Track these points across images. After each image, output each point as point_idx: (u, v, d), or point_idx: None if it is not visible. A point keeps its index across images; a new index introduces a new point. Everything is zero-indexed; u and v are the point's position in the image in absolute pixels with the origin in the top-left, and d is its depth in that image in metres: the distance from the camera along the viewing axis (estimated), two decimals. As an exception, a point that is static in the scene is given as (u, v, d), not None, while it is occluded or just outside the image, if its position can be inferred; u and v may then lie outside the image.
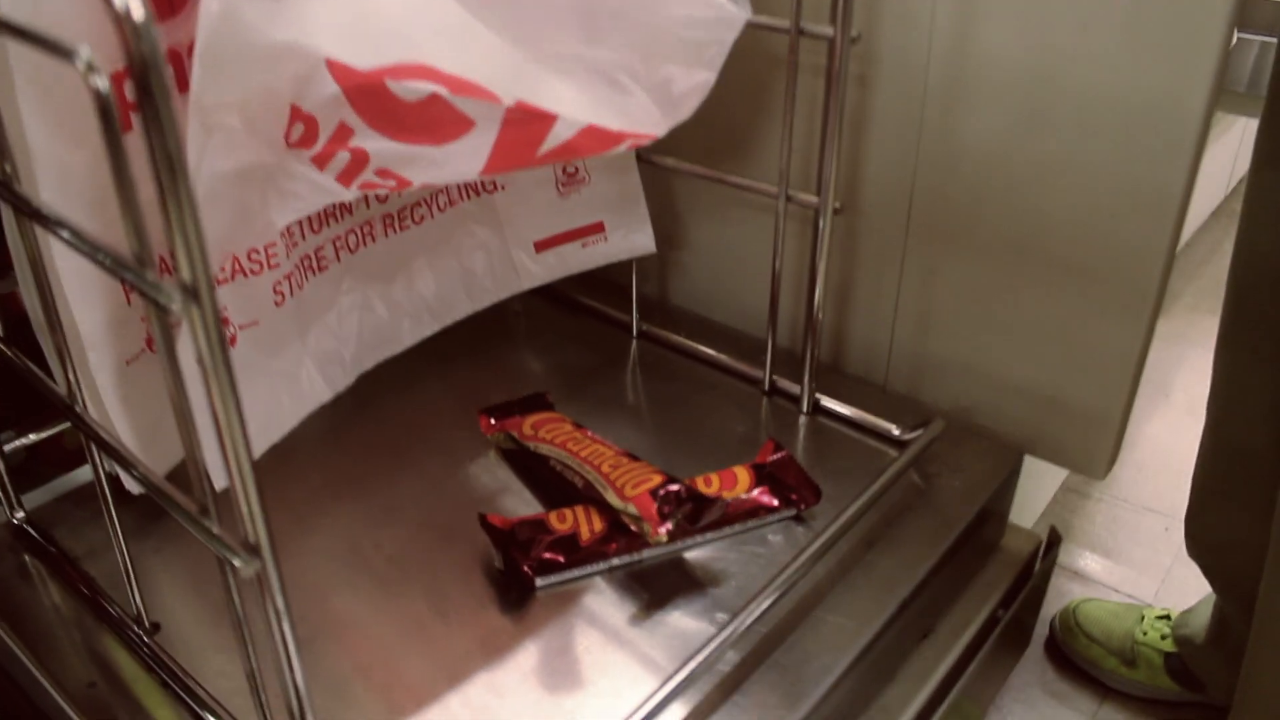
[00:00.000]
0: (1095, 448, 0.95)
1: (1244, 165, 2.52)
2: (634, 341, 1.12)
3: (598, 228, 1.03)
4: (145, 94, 0.37)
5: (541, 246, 1.02)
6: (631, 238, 1.04)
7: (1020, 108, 0.85)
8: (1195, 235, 2.36)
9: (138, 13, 0.36)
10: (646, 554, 0.82)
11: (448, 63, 0.66)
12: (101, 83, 0.40)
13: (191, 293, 0.41)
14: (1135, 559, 1.45)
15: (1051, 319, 0.92)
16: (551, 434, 0.88)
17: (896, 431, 0.95)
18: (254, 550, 0.49)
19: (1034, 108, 0.85)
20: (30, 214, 0.55)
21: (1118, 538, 1.49)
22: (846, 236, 1.01)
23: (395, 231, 0.92)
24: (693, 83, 0.75)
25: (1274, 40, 0.93)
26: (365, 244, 0.90)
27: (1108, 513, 1.54)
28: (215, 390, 0.44)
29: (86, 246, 0.47)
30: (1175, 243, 0.84)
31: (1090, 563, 1.45)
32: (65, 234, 0.49)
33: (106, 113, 0.40)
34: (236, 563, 0.49)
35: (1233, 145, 2.30)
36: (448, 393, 1.02)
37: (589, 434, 0.89)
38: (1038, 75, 0.84)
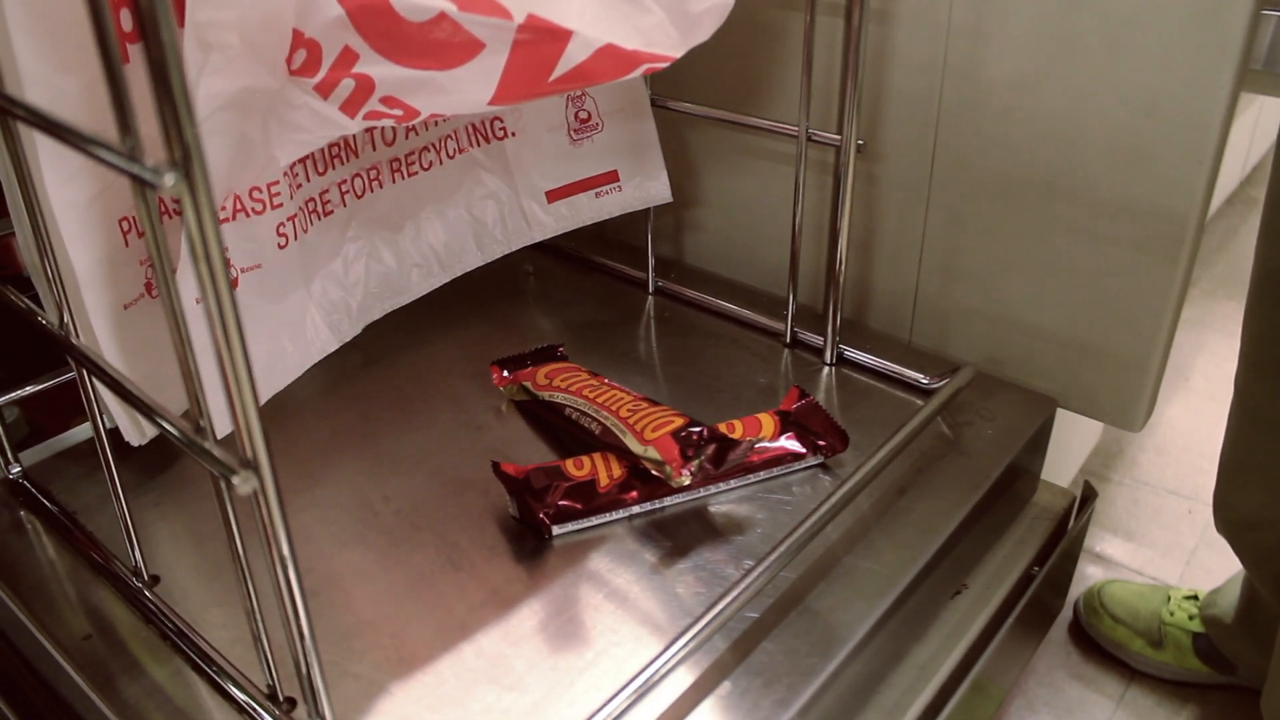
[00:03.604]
0: (1131, 398, 0.91)
1: (1258, 152, 2.49)
2: (649, 297, 1.09)
3: (612, 176, 1.00)
4: None
5: (554, 196, 0.99)
6: (647, 186, 1.01)
7: (1049, 35, 0.82)
8: (1210, 222, 2.34)
9: None
10: (668, 502, 0.78)
11: None
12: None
13: (182, 169, 0.38)
14: (1158, 542, 1.42)
15: (1083, 262, 0.88)
16: (567, 382, 0.85)
17: (924, 380, 0.91)
18: (251, 466, 0.45)
19: (1064, 34, 0.81)
20: (14, 112, 0.52)
21: (1140, 520, 1.47)
22: (868, 183, 0.98)
23: (403, 178, 0.90)
24: (710, 2, 0.72)
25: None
26: (372, 189, 0.87)
27: (1129, 495, 1.51)
28: (209, 286, 0.40)
29: (70, 133, 0.44)
30: (1214, 175, 0.81)
31: (1113, 546, 1.42)
32: (50, 125, 0.46)
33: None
34: (234, 480, 0.46)
35: (1247, 130, 2.26)
36: (458, 349, 0.99)
37: (605, 381, 0.85)
38: (1066, 1, 0.80)
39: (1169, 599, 1.25)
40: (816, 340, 0.98)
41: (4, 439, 0.80)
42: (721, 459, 0.75)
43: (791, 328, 0.99)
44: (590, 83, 0.71)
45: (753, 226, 1.10)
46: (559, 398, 0.84)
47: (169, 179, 0.38)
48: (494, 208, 0.97)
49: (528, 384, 0.88)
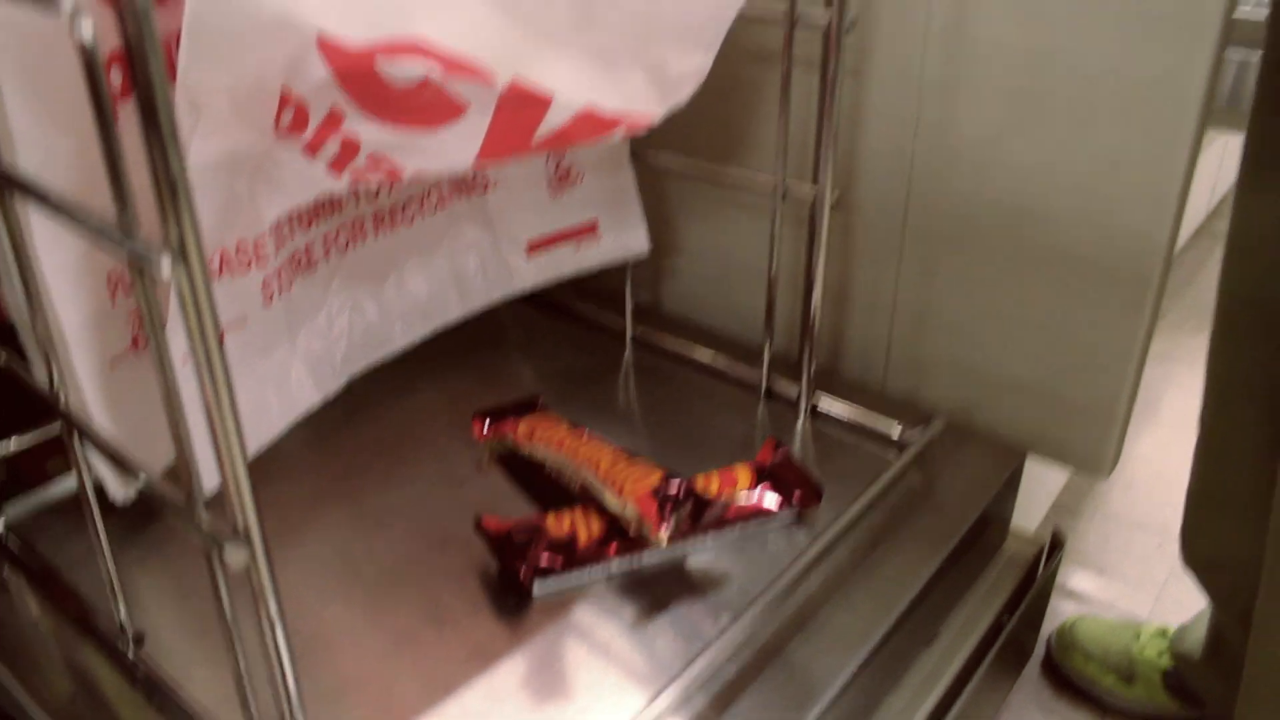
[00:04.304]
0: (1098, 445, 0.94)
1: (1225, 185, 2.53)
2: (628, 347, 1.10)
3: (591, 228, 1.01)
4: (136, 42, 0.35)
5: (534, 247, 1.00)
6: (625, 237, 1.03)
7: (1017, 95, 0.84)
8: (1178, 255, 2.36)
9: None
10: (646, 556, 0.79)
11: (441, 38, 0.64)
12: (86, 32, 0.38)
13: (179, 253, 0.39)
14: (1129, 576, 1.44)
15: (1051, 313, 0.91)
16: (547, 436, 0.86)
17: (896, 433, 0.93)
18: (244, 538, 0.46)
19: (1031, 95, 0.84)
20: (11, 184, 0.53)
21: (1110, 555, 1.48)
22: (843, 234, 1.00)
23: (386, 231, 0.91)
24: (689, 66, 0.74)
25: (1254, 56, 0.93)
26: (355, 243, 0.88)
27: (1099, 530, 1.53)
28: (203, 361, 0.42)
29: (69, 213, 0.45)
30: (1176, 231, 0.83)
31: (1084, 581, 1.43)
32: (48, 202, 0.47)
33: (91, 65, 0.38)
34: (225, 553, 0.47)
35: (1213, 165, 2.30)
36: (440, 400, 1.00)
37: (585, 433, 0.87)
38: (1035, 62, 0.83)
39: (1139, 635, 1.26)
40: (791, 391, 0.99)
41: (-13, 493, 0.81)
42: (698, 516, 0.76)
43: (767, 378, 1.01)
44: (572, 143, 0.73)
45: (730, 274, 1.11)
46: (539, 452, 0.85)
47: (166, 266, 0.40)
48: (475, 259, 0.98)
49: (509, 438, 0.89)
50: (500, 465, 0.90)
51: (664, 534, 0.74)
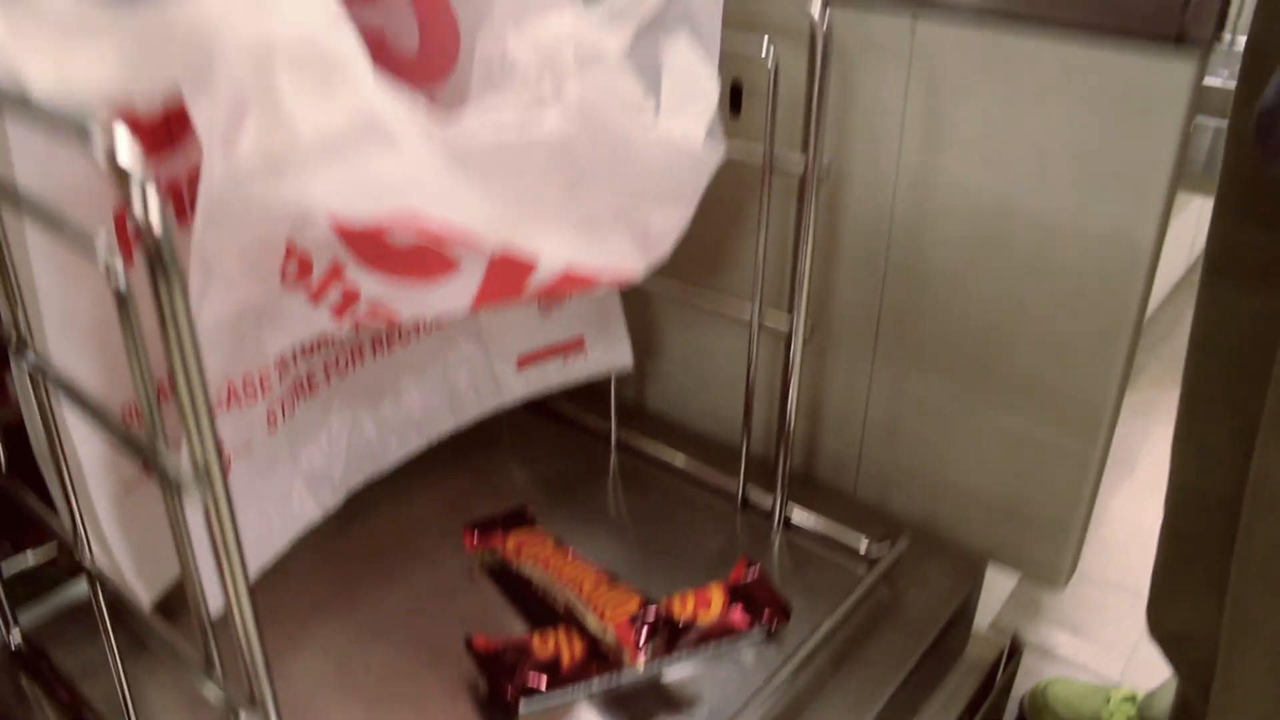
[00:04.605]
0: (1055, 558, 0.99)
1: (1204, 239, 2.56)
2: (613, 452, 1.15)
3: (578, 343, 1.06)
4: (166, 290, 0.40)
5: (524, 362, 1.05)
6: (610, 353, 1.08)
7: (981, 237, 0.90)
8: (1157, 310, 2.37)
9: (157, 227, 0.39)
10: (625, 676, 0.84)
11: (439, 213, 0.69)
12: (120, 280, 0.43)
13: (204, 475, 0.45)
14: (1102, 637, 1.47)
15: (1011, 433, 0.96)
16: (534, 554, 0.91)
17: (864, 549, 0.98)
18: (258, 703, 0.51)
19: (994, 238, 0.90)
20: (51, 381, 0.58)
21: (1084, 615, 1.51)
22: (817, 353, 1.05)
23: (384, 353, 0.95)
24: (671, 222, 0.79)
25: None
26: (354, 367, 0.93)
27: (1074, 590, 1.55)
28: (225, 560, 0.47)
29: (107, 423, 0.50)
30: (1130, 363, 0.89)
31: (1057, 640, 1.46)
32: (89, 413, 0.52)
33: (125, 307, 0.43)
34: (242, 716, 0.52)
35: (1193, 220, 2.34)
36: (433, 505, 1.05)
37: (570, 554, 0.92)
38: (998, 204, 0.88)
39: (1109, 699, 1.28)
40: (766, 501, 1.04)
41: (5, 606, 0.84)
42: (673, 642, 0.82)
43: (744, 490, 1.06)
44: (560, 295, 0.78)
45: (710, 381, 1.17)
46: (527, 569, 0.91)
47: (192, 488, 0.45)
48: (467, 374, 1.03)
49: (498, 551, 0.94)
50: (490, 577, 0.95)
51: (641, 660, 0.79)
